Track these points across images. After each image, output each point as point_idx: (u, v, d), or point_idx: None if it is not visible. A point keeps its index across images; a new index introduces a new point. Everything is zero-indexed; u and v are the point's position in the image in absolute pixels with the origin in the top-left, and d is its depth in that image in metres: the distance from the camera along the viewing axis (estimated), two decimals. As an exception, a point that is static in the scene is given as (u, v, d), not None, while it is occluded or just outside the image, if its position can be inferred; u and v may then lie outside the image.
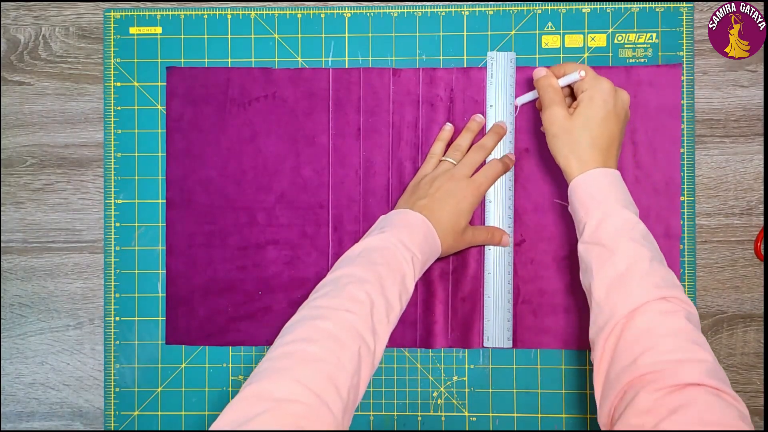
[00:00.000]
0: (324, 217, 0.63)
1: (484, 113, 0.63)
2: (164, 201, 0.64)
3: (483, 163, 0.61)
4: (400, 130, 0.63)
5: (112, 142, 0.64)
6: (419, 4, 0.64)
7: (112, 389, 0.64)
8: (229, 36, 0.64)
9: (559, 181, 0.62)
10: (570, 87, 0.57)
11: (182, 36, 0.64)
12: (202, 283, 0.64)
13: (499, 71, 0.62)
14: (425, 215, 0.55)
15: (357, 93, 0.63)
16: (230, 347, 0.64)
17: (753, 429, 0.40)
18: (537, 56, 0.63)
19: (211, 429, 0.39)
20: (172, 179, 0.64)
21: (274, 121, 0.63)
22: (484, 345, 0.62)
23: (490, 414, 0.63)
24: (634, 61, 0.63)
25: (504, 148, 0.62)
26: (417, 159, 0.63)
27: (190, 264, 0.64)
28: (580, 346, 0.62)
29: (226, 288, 0.64)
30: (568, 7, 0.63)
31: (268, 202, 0.63)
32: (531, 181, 0.63)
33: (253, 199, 0.63)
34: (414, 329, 0.63)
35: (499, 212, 0.62)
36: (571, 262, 0.62)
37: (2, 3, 0.65)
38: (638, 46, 0.63)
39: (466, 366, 0.63)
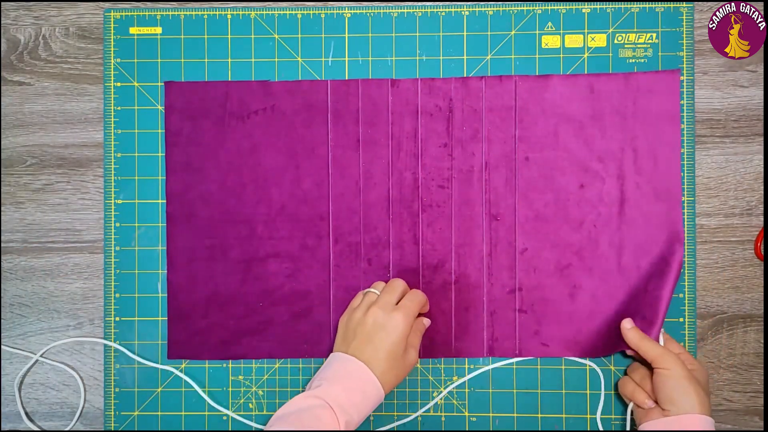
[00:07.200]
0: (324, 229, 0.63)
1: (482, 122, 0.62)
2: (164, 201, 0.64)
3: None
4: (399, 141, 0.63)
5: (112, 142, 0.64)
6: (419, 4, 0.64)
7: (112, 389, 0.64)
8: (229, 36, 0.64)
9: (558, 189, 0.62)
10: None
11: (182, 36, 0.64)
12: (203, 297, 0.63)
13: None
14: (363, 360, 0.54)
15: (356, 104, 0.63)
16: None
17: None
18: (537, 56, 0.63)
19: None
20: (172, 193, 0.64)
21: (273, 134, 0.63)
22: (487, 355, 0.62)
23: (490, 414, 0.63)
24: (634, 61, 0.63)
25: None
26: (417, 169, 0.63)
27: (191, 278, 0.63)
28: (583, 354, 0.62)
29: (228, 302, 0.63)
30: (568, 7, 0.63)
31: (268, 215, 0.63)
32: (531, 189, 0.63)
33: (253, 211, 0.63)
34: None
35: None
36: (573, 270, 0.62)
37: (2, 3, 0.65)
38: (638, 46, 0.63)
39: (466, 366, 0.63)
